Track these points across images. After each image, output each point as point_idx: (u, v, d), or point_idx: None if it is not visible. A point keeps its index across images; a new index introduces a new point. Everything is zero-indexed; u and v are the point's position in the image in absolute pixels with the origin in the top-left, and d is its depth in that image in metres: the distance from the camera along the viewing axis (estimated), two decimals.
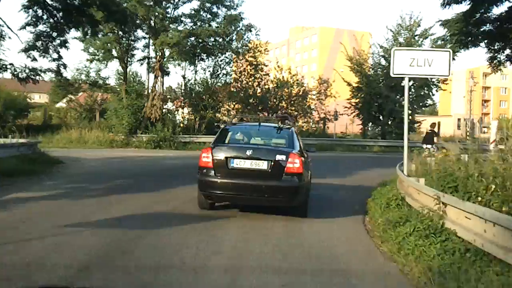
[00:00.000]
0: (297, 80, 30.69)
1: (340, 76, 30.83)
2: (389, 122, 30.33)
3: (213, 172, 7.11)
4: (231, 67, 28.83)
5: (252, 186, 6.97)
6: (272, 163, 6.96)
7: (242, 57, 27.70)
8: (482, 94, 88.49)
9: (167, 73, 26.96)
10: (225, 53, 27.59)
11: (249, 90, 29.16)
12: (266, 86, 30.12)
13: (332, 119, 31.08)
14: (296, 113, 30.78)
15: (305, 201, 7.41)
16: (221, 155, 7.17)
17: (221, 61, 28.14)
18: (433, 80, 29.29)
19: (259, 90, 29.81)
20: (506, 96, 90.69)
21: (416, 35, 29.46)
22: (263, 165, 7.01)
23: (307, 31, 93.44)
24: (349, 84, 31.77)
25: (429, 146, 15.26)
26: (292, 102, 30.21)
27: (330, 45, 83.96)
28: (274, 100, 30.06)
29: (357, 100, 31.43)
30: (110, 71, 35.24)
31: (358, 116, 31.72)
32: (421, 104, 30.06)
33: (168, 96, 28.55)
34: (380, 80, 30.54)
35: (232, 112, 29.92)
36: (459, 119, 74.27)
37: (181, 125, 27.94)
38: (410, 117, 30.98)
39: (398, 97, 30.30)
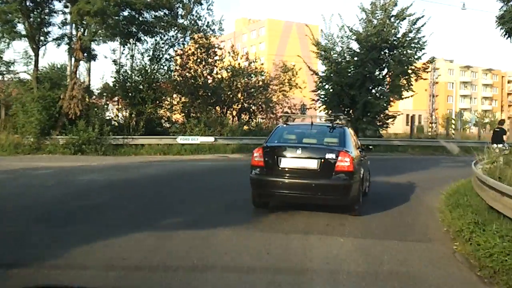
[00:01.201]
0: (256, 68, 25.76)
1: (305, 64, 26.23)
2: (363, 118, 26.06)
3: (264, 170, 7.30)
4: (176, 50, 23.26)
5: (302, 184, 7.13)
6: (322, 162, 7.07)
7: (190, 37, 22.31)
8: (430, 89, 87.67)
9: (93, 57, 21.02)
10: (168, 32, 22.08)
11: (199, 79, 23.83)
12: (219, 75, 24.92)
13: (299, 114, 26.34)
14: (254, 107, 25.85)
15: (357, 199, 7.38)
16: (271, 154, 7.32)
17: (163, 42, 22.57)
18: (412, 67, 25.38)
19: (210, 80, 24.56)
20: (450, 91, 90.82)
21: (392, 15, 25.36)
22: (312, 163, 7.13)
23: (254, 24, 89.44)
24: (315, 74, 27.32)
25: (500, 145, 13.45)
26: (251, 94, 25.26)
27: (279, 38, 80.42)
28: (229, 92, 24.98)
29: (325, 92, 27.09)
30: (16, 53, 30.13)
31: (326, 110, 27.30)
32: (397, 96, 25.99)
33: (97, 90, 22.52)
34: (352, 68, 26.22)
35: (178, 107, 24.51)
36: (407, 115, 73.04)
37: (114, 123, 22.05)
38: (386, 111, 27.01)
39: (372, 87, 26.16)
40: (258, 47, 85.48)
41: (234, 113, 26.05)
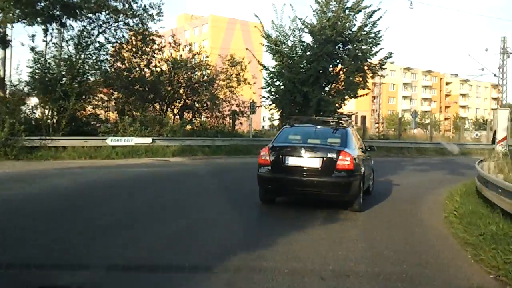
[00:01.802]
0: (201, 61, 23.15)
1: (254, 57, 23.92)
2: (316, 117, 24.11)
3: (270, 168, 7.73)
4: (108, 38, 20.05)
5: (305, 181, 7.55)
6: (324, 161, 7.51)
7: (124, 23, 19.32)
8: (372, 91, 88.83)
9: (5, 43, 17.51)
10: (98, 16, 18.93)
11: (134, 72, 20.85)
12: (158, 68, 22.05)
13: (248, 113, 23.97)
14: (198, 105, 23.21)
15: (357, 196, 7.74)
16: (277, 153, 7.78)
17: (92, 28, 19.35)
18: (368, 63, 23.77)
19: (148, 73, 21.64)
20: (394, 92, 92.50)
21: (347, 7, 23.62)
22: (315, 162, 7.55)
23: (197, 20, 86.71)
24: (265, 68, 25.10)
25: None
26: (195, 90, 22.62)
27: (222, 35, 78.08)
28: (170, 88, 22.20)
29: (275, 89, 24.95)
30: None
31: (276, 108, 25.16)
32: (352, 94, 24.29)
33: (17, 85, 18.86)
34: (305, 63, 24.23)
35: (111, 103, 21.35)
36: (356, 116, 73.15)
37: (32, 121, 18.55)
38: (338, 111, 25.26)
39: (326, 84, 24.32)
40: (201, 45, 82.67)
41: (176, 111, 23.29)
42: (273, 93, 25.11)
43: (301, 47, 24.31)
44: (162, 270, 4.51)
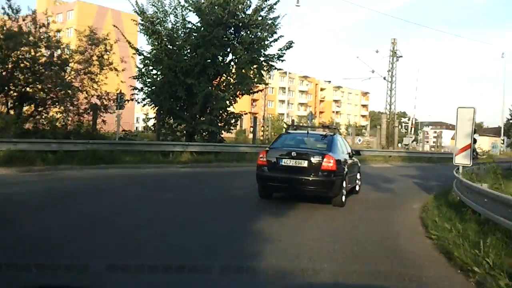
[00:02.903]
0: (49, 35, 17.14)
1: (123, 36, 18.59)
2: (202, 116, 19.66)
3: (267, 168, 9.00)
4: None
5: (295, 179, 8.77)
6: (311, 162, 8.72)
7: None
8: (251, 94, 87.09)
9: None
10: None
11: None
12: None
13: (114, 108, 18.46)
14: (44, 94, 17.12)
15: (339, 193, 8.83)
16: (273, 156, 9.09)
17: None
18: (265, 53, 19.97)
19: None
20: (272, 96, 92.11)
21: None
22: (304, 163, 8.76)
23: (61, 6, 76.49)
24: (138, 53, 19.89)
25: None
26: (39, 74, 16.53)
27: (91, 25, 69.56)
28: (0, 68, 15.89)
29: (151, 80, 19.91)
30: None
31: (151, 104, 20.11)
32: (246, 89, 20.26)
33: None
34: (189, 49, 19.59)
35: None
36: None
37: None
38: (230, 108, 21.11)
39: (214, 75, 19.97)
40: (66, 34, 72.77)
41: (10, 101, 16.93)
42: (148, 85, 20.05)
43: (185, 28, 19.67)
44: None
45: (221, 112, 20.35)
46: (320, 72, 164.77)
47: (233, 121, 21.08)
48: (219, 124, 20.44)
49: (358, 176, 11.18)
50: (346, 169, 9.30)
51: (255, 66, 19.87)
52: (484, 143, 45.91)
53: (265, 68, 20.14)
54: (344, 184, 9.04)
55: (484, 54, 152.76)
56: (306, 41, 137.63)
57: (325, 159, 8.57)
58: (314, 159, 8.67)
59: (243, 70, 19.68)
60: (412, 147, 38.80)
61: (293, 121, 28.79)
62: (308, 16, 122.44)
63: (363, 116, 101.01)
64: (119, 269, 4.36)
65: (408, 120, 44.18)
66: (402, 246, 5.97)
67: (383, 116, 33.93)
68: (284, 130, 41.55)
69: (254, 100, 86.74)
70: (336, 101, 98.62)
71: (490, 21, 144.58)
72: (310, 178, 8.61)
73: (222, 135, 21.32)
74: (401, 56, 32.03)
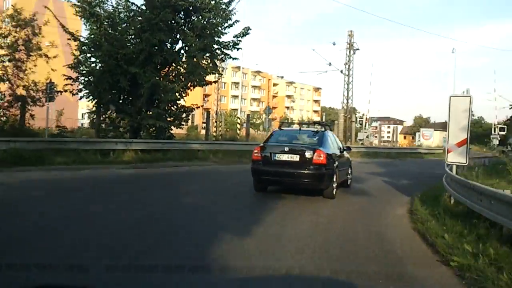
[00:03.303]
0: None
1: (56, 19, 16.14)
2: (148, 110, 17.57)
3: (261, 163, 9.36)
4: None
5: (288, 173, 9.13)
6: (303, 157, 9.07)
7: None
8: (203, 88, 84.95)
9: None
10: None
11: None
12: None
13: (43, 100, 15.98)
14: None
15: (329, 185, 9.19)
16: (267, 151, 9.47)
17: None
18: (219, 41, 18.08)
19: None
20: (224, 91, 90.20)
21: None
22: (296, 158, 9.13)
23: None
24: (73, 38, 17.43)
25: None
26: None
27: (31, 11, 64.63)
28: None
29: (89, 68, 17.55)
30: None
31: (89, 96, 17.74)
32: (198, 80, 18.26)
33: None
34: (133, 33, 17.38)
35: None
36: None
37: None
38: (180, 101, 19.10)
39: (162, 64, 17.89)
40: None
41: None
42: (86, 74, 17.66)
43: (128, 11, 17.45)
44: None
45: (170, 105, 18.31)
46: (275, 67, 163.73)
47: (184, 115, 19.07)
48: (168, 119, 18.40)
49: (349, 170, 11.66)
50: (336, 163, 9.71)
51: (208, 54, 17.96)
52: (436, 138, 46.44)
53: (219, 57, 18.27)
54: (334, 177, 9.40)
55: (434, 49, 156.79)
56: (260, 34, 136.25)
57: (316, 154, 9.00)
58: (306, 154, 9.07)
59: (195, 59, 17.72)
60: (369, 142, 38.19)
61: (286, 119, 27.09)
62: (263, 8, 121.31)
63: (315, 111, 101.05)
64: None
65: (363, 115, 43.62)
66: (417, 279, 4.36)
67: (340, 111, 32.91)
68: (237, 125, 40.17)
69: (206, 95, 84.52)
70: (289, 96, 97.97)
71: (441, 17, 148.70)
72: (302, 172, 8.99)
73: (172, 131, 19.25)
74: (358, 49, 31.06)
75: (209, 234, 5.70)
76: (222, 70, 42.44)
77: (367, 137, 42.49)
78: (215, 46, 17.99)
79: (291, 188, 9.57)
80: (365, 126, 44.78)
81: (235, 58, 18.44)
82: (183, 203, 8.13)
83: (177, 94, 17.73)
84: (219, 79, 22.07)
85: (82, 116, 64.60)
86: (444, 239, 5.34)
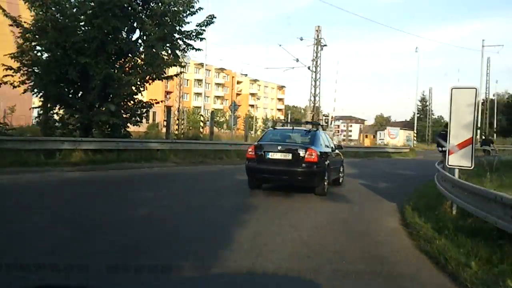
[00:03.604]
0: None
1: None
2: (101, 106, 15.85)
3: (255, 161, 9.73)
4: None
5: (281, 170, 9.48)
6: (295, 155, 9.44)
7: None
8: (165, 85, 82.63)
9: None
10: None
11: None
12: None
13: None
14: None
15: (321, 183, 9.56)
16: (260, 150, 9.79)
17: None
18: (181, 30, 16.52)
19: None
20: (187, 88, 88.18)
21: None
22: (289, 156, 9.49)
23: None
24: (16, 24, 15.45)
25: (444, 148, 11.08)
26: None
27: None
28: None
29: (35, 58, 15.63)
30: None
31: (35, 90, 15.82)
32: (157, 73, 16.64)
33: None
34: (84, 20, 15.57)
35: None
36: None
37: None
38: (135, 97, 17.43)
39: (117, 55, 16.19)
40: None
41: None
42: (30, 64, 15.71)
43: None
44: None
45: (126, 100, 16.63)
46: (239, 65, 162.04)
47: (142, 111, 17.41)
48: (124, 116, 16.71)
49: (341, 168, 12.07)
50: (328, 162, 9.97)
51: (168, 44, 16.38)
52: (401, 137, 46.32)
53: (180, 48, 16.71)
54: (326, 175, 9.72)
55: (398, 48, 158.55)
56: (225, 30, 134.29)
57: (308, 152, 9.30)
58: (298, 152, 9.38)
59: (154, 49, 16.09)
60: (338, 141, 37.42)
61: (278, 118, 25.64)
62: (228, 4, 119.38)
63: (279, 109, 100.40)
64: None
65: (328, 114, 42.88)
66: None
67: (307, 108, 31.88)
68: (200, 123, 38.43)
69: (168, 92, 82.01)
70: (253, 94, 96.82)
71: (406, 17, 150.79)
72: (295, 170, 9.29)
73: (129, 129, 17.55)
74: (325, 45, 30.10)
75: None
76: (185, 64, 40.67)
77: (333, 135, 41.89)
78: (176, 36, 16.43)
79: (283, 186, 10.00)
80: (331, 124, 44.20)
81: (199, 49, 16.94)
82: (136, 216, 6.64)
83: (133, 87, 16.08)
84: (181, 72, 20.43)
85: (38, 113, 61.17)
86: (470, 268, 4.14)
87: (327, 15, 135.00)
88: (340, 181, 11.91)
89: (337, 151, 11.66)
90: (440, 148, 12.48)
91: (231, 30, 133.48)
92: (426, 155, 36.76)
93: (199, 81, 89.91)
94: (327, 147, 10.54)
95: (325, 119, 42.14)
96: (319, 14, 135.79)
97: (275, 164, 9.45)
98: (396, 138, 39.84)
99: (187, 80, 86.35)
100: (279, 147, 9.60)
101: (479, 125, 49.88)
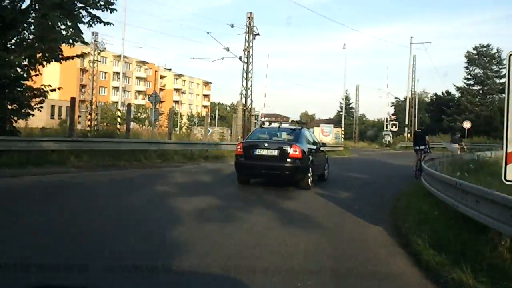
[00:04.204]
0: None
1: None
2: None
3: (243, 158, 10.55)
4: None
5: (268, 166, 10.31)
6: (280, 151, 10.26)
7: None
8: (80, 78, 76.00)
9: None
10: None
11: None
12: None
13: None
14: None
15: (305, 178, 10.38)
16: (248, 147, 10.67)
17: None
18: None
19: None
20: (105, 82, 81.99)
21: None
22: (274, 152, 10.28)
23: None
24: None
25: (422, 147, 13.88)
26: None
27: None
28: None
29: None
30: None
31: None
32: (50, 50, 12.80)
33: None
34: None
35: None
36: (53, 106, 59.29)
37: None
38: (24, 82, 13.48)
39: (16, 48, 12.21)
40: None
41: None
42: None
43: None
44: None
45: (10, 86, 12.69)
46: (162, 58, 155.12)
47: (35, 101, 13.52)
48: (8, 106, 12.78)
49: (326, 165, 12.78)
50: (311, 158, 10.81)
51: (67, 14, 12.66)
52: (332, 134, 45.17)
53: (84, 20, 13.03)
54: (310, 170, 10.54)
55: (327, 46, 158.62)
56: (148, 22, 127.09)
57: (292, 148, 10.17)
58: (283, 148, 10.27)
59: (48, 20, 12.31)
60: None
61: (175, 113, 22.20)
62: None
63: (205, 106, 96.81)
64: None
65: (257, 111, 40.48)
66: None
67: (238, 103, 29.03)
68: (118, 119, 34.15)
69: (83, 86, 74.86)
70: (177, 90, 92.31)
71: (334, 13, 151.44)
72: (280, 165, 10.18)
73: (17, 123, 13.59)
74: (258, 34, 27.39)
75: None
76: (99, 50, 35.91)
77: None
78: (79, 4, 12.75)
79: (270, 181, 10.81)
80: (262, 123, 41.69)
81: (108, 23, 13.30)
82: None
83: (18, 69, 12.19)
84: (86, 53, 16.62)
85: None
86: None
87: (259, 3, 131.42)
88: (325, 177, 12.60)
89: (321, 148, 12.44)
90: (418, 147, 13.40)
91: (157, 23, 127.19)
92: (358, 152, 35.57)
93: (117, 74, 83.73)
94: (311, 144, 11.31)
95: (255, 116, 39.56)
96: (250, 3, 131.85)
97: (262, 160, 10.29)
98: (329, 136, 38.30)
99: (105, 73, 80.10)
100: (266, 144, 10.47)
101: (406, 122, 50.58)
